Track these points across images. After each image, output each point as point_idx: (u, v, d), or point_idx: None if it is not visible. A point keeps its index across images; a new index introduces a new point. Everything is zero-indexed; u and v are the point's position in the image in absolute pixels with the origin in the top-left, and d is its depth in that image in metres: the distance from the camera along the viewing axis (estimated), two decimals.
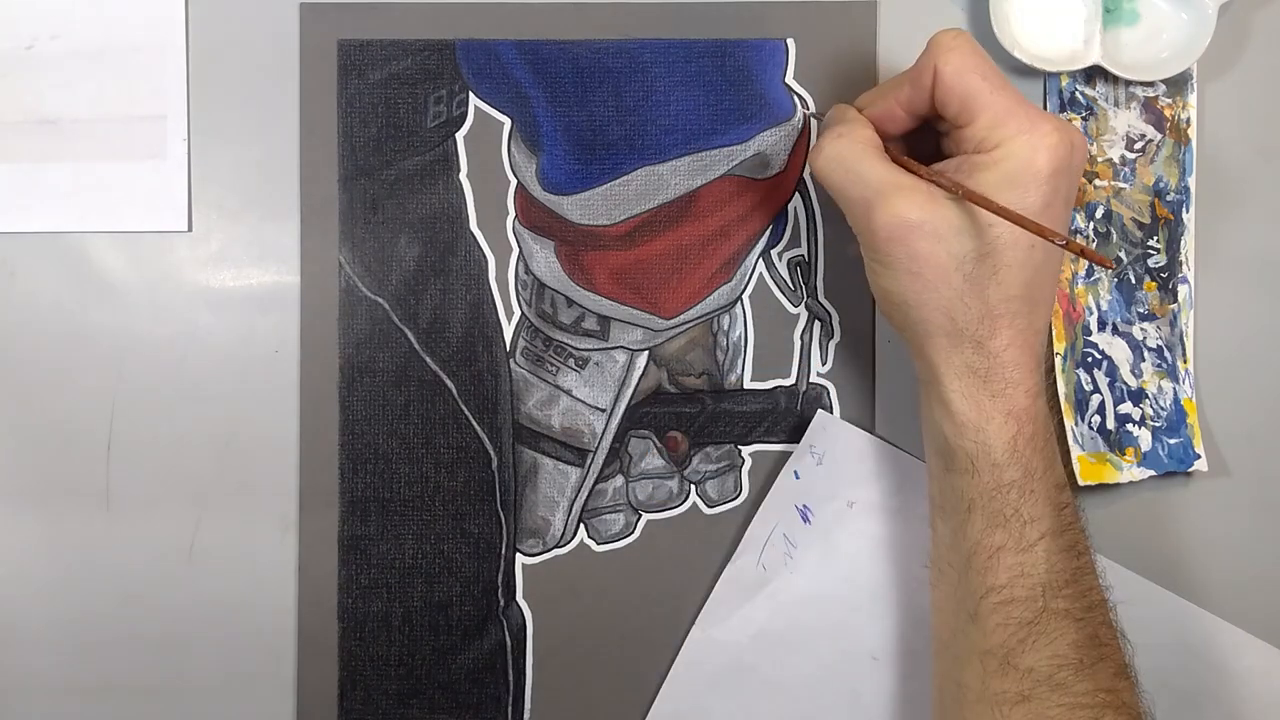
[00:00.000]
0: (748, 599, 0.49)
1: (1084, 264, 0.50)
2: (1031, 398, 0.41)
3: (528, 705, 0.50)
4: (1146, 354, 0.50)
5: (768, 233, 0.50)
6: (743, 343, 0.50)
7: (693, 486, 0.50)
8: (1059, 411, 0.49)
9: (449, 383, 0.50)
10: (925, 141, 0.44)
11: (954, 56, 0.40)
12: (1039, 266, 0.40)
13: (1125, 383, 0.49)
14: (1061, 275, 0.49)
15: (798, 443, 0.49)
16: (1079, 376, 0.49)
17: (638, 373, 0.50)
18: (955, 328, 0.40)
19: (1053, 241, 0.38)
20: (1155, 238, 0.50)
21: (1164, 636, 0.49)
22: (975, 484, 0.41)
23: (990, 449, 0.40)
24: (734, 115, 0.49)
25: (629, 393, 0.50)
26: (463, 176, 0.49)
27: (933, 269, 0.40)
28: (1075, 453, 0.48)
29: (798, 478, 0.49)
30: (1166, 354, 0.50)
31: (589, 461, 0.50)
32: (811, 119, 0.49)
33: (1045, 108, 0.50)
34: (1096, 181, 0.50)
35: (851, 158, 0.41)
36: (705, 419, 0.50)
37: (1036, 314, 0.41)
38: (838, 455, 0.49)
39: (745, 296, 0.50)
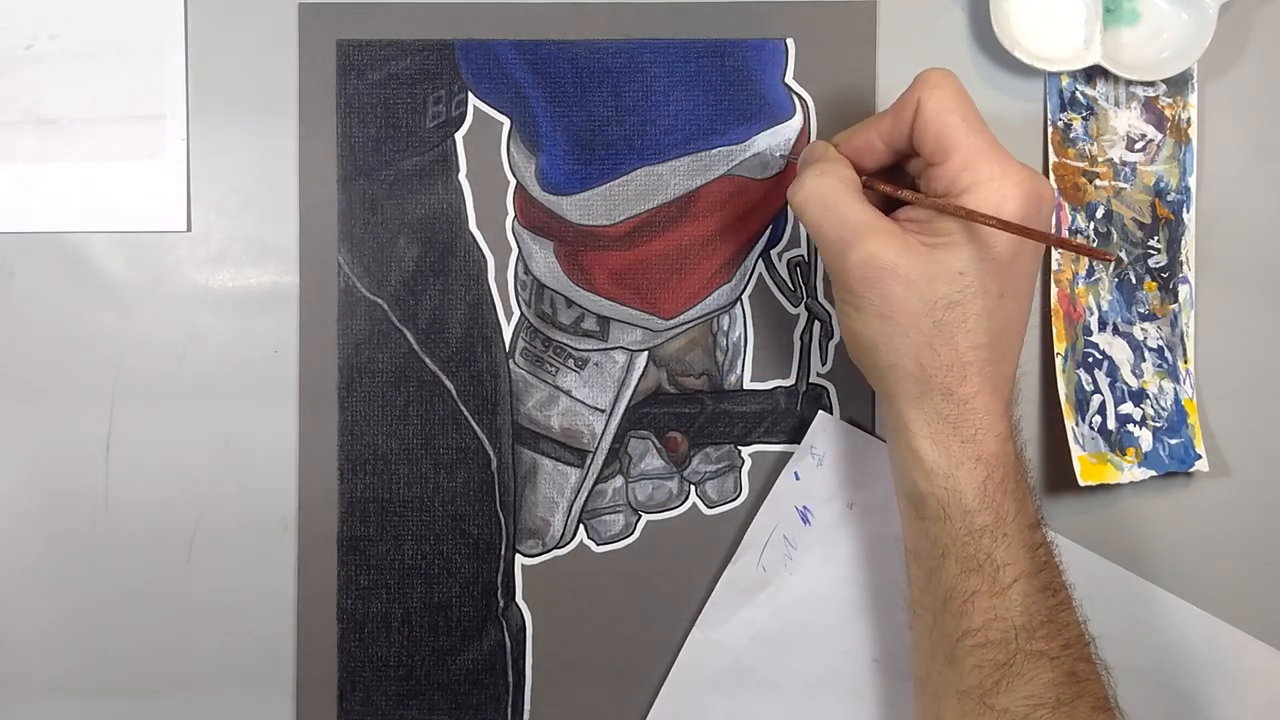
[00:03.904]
0: (747, 600, 0.49)
1: (1084, 264, 0.49)
2: (1001, 442, 0.41)
3: (527, 706, 0.50)
4: (1147, 354, 0.50)
5: (767, 233, 0.50)
6: (742, 343, 0.50)
7: (692, 487, 0.50)
8: (1059, 411, 0.49)
9: (448, 383, 0.50)
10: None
11: (938, 94, 0.40)
12: (1009, 315, 0.41)
13: (1126, 383, 0.49)
14: (1062, 275, 0.49)
15: (798, 443, 0.49)
16: (1079, 376, 0.49)
17: (637, 373, 0.50)
18: (924, 373, 0.40)
19: (1047, 243, 0.39)
20: (1156, 238, 0.50)
21: (1165, 638, 0.49)
22: (947, 530, 0.41)
23: (961, 495, 0.40)
24: (733, 115, 0.49)
25: (628, 393, 0.50)
26: (462, 177, 0.49)
27: (904, 313, 0.40)
28: (1076, 453, 0.48)
29: (798, 479, 0.49)
30: (1167, 354, 0.50)
31: (588, 462, 0.50)
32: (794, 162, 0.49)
33: (1045, 108, 0.50)
34: (1097, 181, 0.50)
35: (831, 196, 0.41)
36: (705, 419, 0.50)
37: (1005, 362, 0.41)
38: (838, 456, 0.49)
39: (745, 297, 0.50)
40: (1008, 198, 0.39)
